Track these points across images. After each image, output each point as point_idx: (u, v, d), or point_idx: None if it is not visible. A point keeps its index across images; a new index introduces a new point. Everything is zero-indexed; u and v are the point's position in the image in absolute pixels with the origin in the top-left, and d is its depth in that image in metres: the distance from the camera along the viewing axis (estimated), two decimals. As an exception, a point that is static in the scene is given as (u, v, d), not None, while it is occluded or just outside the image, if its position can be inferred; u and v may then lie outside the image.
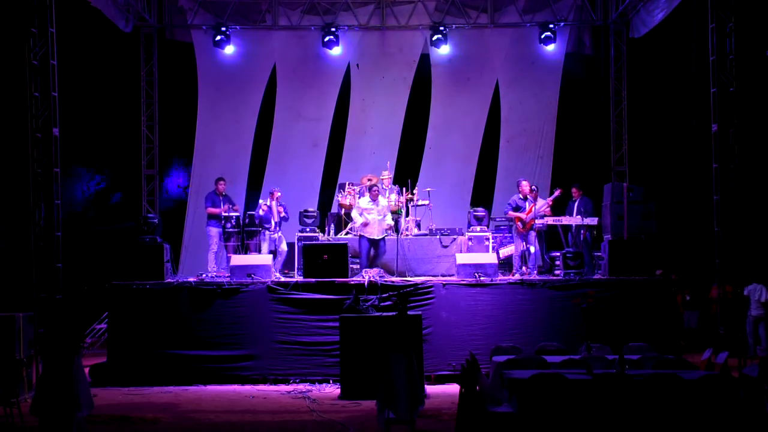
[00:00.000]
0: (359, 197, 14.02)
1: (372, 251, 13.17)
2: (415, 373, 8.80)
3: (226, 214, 13.73)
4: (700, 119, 13.38)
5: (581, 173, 15.71)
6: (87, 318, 14.87)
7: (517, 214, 13.47)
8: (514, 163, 17.07)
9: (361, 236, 13.25)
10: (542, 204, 13.66)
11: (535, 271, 13.22)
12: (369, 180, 14.77)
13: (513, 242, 13.87)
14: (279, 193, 13.88)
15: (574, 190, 13.67)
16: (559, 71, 17.05)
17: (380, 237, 13.19)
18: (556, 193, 13.71)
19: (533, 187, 13.86)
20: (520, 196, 13.56)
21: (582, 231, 13.53)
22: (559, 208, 13.94)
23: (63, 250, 12.61)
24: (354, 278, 12.48)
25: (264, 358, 12.15)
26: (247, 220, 13.68)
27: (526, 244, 13.45)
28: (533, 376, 7.72)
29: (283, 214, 13.87)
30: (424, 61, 17.23)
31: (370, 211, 13.15)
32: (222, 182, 14.20)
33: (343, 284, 12.24)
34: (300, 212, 14.54)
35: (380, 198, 13.37)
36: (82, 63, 15.40)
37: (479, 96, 17.25)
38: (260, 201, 14.37)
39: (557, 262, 13.40)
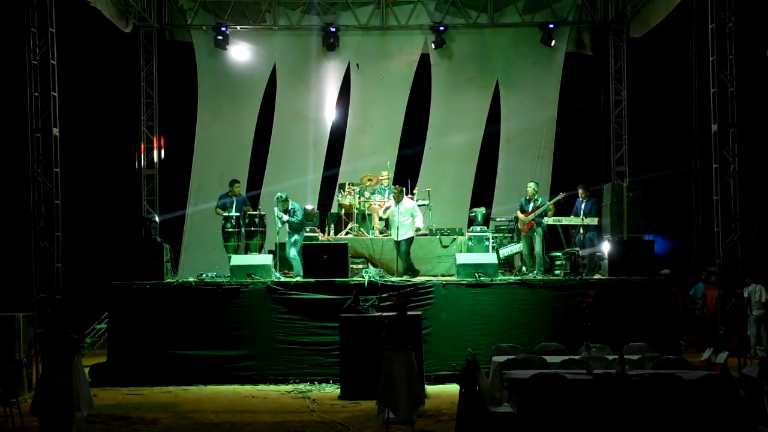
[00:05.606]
0: (376, 196, 14.30)
1: (395, 252, 13.27)
2: (415, 373, 8.80)
3: (226, 214, 13.72)
4: (700, 119, 13.38)
5: (581, 173, 15.69)
6: (87, 318, 14.84)
7: (519, 214, 13.55)
8: (514, 163, 17.07)
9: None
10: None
11: (537, 271, 13.21)
12: (369, 180, 14.77)
13: (514, 242, 13.90)
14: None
15: (580, 190, 13.66)
16: (559, 71, 17.04)
17: (401, 238, 13.18)
18: (558, 197, 13.67)
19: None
20: (526, 197, 13.62)
21: (582, 231, 13.52)
22: (564, 208, 13.92)
23: (63, 250, 12.61)
24: (354, 278, 12.48)
25: (264, 358, 12.15)
26: (246, 221, 13.66)
27: (528, 245, 13.45)
28: (533, 376, 7.72)
29: (284, 218, 13.13)
30: (424, 61, 17.22)
31: (394, 213, 13.27)
32: (236, 184, 14.15)
33: (343, 284, 12.25)
34: (300, 212, 14.51)
35: (404, 200, 13.36)
36: (82, 63, 15.38)
37: (479, 96, 17.24)
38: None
39: (557, 262, 13.39)
